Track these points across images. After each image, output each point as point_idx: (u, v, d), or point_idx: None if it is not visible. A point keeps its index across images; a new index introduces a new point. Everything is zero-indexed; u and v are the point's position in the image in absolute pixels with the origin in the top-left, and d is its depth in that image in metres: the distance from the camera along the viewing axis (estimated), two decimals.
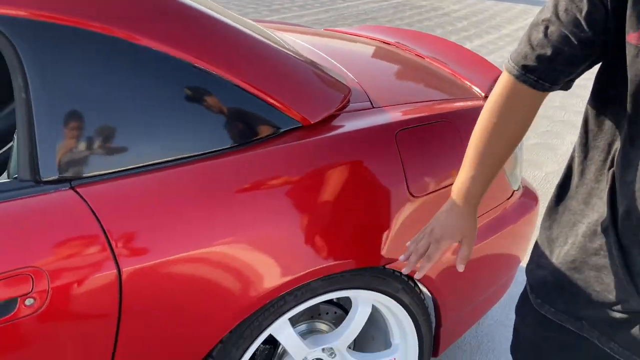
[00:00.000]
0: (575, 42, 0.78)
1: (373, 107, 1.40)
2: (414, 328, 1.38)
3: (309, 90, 1.29)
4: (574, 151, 0.92)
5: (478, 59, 1.90)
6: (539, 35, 0.81)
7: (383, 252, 1.26)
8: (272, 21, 2.33)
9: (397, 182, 1.28)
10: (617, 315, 0.84)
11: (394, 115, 1.35)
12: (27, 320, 0.92)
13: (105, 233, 0.97)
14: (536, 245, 0.98)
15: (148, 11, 1.09)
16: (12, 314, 0.91)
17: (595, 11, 0.75)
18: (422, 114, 1.38)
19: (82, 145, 1.00)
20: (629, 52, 0.73)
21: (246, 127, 1.17)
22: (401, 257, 1.06)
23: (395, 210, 1.28)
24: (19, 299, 0.90)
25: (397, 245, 1.28)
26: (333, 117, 1.32)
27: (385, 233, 1.27)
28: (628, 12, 0.72)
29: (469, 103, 1.49)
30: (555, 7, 0.80)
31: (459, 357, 1.87)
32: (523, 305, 1.01)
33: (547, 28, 0.80)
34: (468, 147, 0.97)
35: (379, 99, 1.44)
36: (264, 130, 1.19)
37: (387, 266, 1.28)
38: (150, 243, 1.01)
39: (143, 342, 1.05)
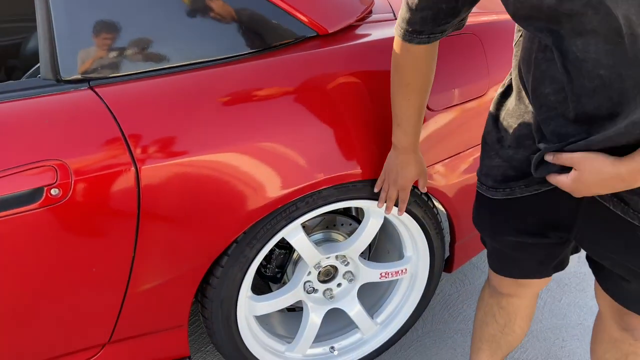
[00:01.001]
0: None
1: (395, 18, 1.36)
2: (425, 241, 1.41)
3: (327, 0, 1.27)
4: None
5: None
6: (430, 4, 0.87)
7: None
8: None
9: None
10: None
11: None
12: (56, 208, 1.01)
13: (122, 131, 1.03)
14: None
15: None
16: (40, 201, 0.99)
17: None
18: None
19: (100, 47, 1.04)
20: None
21: (262, 35, 1.17)
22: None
23: None
24: (45, 189, 0.99)
25: None
26: (354, 27, 1.31)
27: None
28: None
29: (496, 17, 1.42)
30: None
31: (478, 277, 1.90)
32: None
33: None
34: (392, 105, 1.09)
35: None
36: (280, 38, 1.19)
37: None
38: (166, 145, 1.06)
39: (162, 238, 1.12)
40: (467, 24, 1.37)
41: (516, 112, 0.95)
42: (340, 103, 1.20)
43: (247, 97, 1.13)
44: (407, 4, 0.90)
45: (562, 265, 1.11)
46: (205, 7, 1.12)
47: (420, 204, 1.35)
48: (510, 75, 1.00)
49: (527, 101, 0.92)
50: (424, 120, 1.28)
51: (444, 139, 1.33)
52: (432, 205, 1.39)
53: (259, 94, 1.14)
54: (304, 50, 1.20)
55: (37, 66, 1.44)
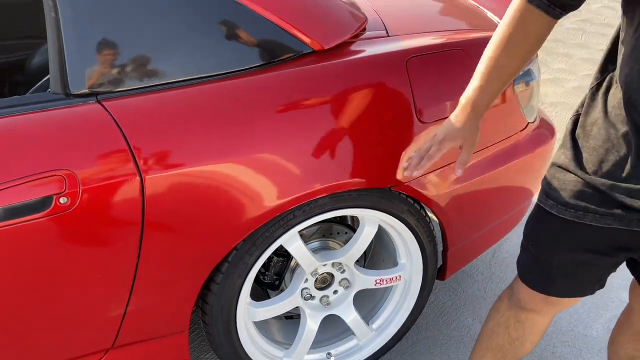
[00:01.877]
0: None
1: (388, 36, 1.43)
2: (418, 249, 1.46)
3: (323, 17, 1.33)
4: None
5: None
6: None
7: (390, 175, 1.33)
8: None
9: (406, 109, 1.33)
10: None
11: (407, 44, 1.38)
12: (65, 216, 1.05)
13: (128, 144, 1.08)
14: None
15: None
16: (49, 210, 1.04)
17: None
18: (435, 43, 1.40)
19: (107, 62, 1.09)
20: None
21: (262, 51, 1.23)
22: (404, 164, 1.13)
23: (404, 135, 1.33)
24: (54, 197, 1.03)
25: (404, 168, 1.34)
26: (348, 43, 1.37)
27: (393, 157, 1.33)
28: None
29: (484, 34, 1.48)
30: None
31: (471, 285, 1.95)
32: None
33: None
34: (480, 60, 1.03)
35: (396, 27, 1.46)
36: (279, 54, 1.25)
37: (392, 188, 1.35)
38: (170, 156, 1.12)
39: (165, 245, 1.17)
40: (456, 40, 1.45)
41: (603, 135, 0.92)
42: (335, 116, 1.26)
43: (247, 110, 1.19)
44: None
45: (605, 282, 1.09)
46: (206, 25, 1.18)
47: (413, 212, 1.40)
48: (595, 86, 0.97)
49: (625, 121, 0.88)
50: (415, 134, 1.34)
51: None
52: (424, 214, 1.45)
53: (258, 107, 1.20)
54: (301, 65, 1.25)
55: (42, 82, 1.51)
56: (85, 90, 1.08)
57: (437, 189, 1.41)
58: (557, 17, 0.93)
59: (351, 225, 1.55)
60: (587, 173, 0.94)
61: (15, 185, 1.00)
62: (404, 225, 1.41)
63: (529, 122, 1.58)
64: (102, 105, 1.08)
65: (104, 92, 1.09)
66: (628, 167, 0.89)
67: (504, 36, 0.97)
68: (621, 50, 0.89)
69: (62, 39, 1.05)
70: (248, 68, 1.21)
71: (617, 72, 0.90)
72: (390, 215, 1.38)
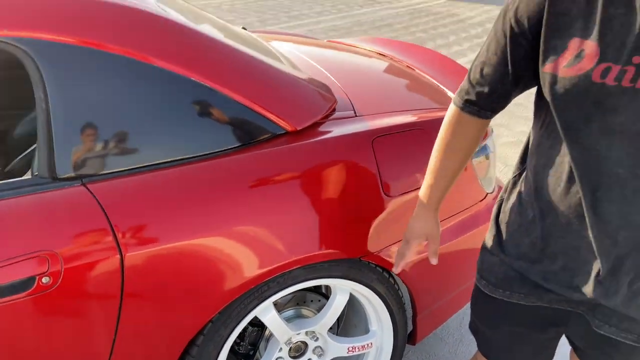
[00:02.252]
0: (506, 81, 0.95)
1: (356, 116, 1.55)
2: (388, 316, 1.52)
3: (295, 100, 1.45)
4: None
5: (465, 71, 2.03)
6: (477, 75, 0.99)
7: (359, 246, 1.41)
8: (274, 31, 2.49)
9: (373, 184, 1.43)
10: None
11: (373, 124, 1.50)
12: (46, 296, 1.10)
13: (110, 224, 1.14)
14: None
15: (152, 33, 1.26)
16: (31, 289, 1.08)
17: (518, 51, 0.91)
18: (399, 123, 1.52)
19: (92, 148, 1.17)
20: (544, 80, 0.87)
21: (238, 133, 1.33)
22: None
23: (370, 209, 1.43)
24: (37, 277, 1.08)
25: (372, 239, 1.42)
26: (319, 124, 1.48)
27: (362, 228, 1.42)
28: (542, 46, 0.86)
29: (444, 113, 1.62)
30: (487, 50, 0.96)
31: (441, 348, 2.00)
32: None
33: (482, 70, 0.97)
34: (430, 160, 1.15)
35: (363, 108, 1.59)
36: (255, 135, 1.35)
37: (362, 258, 1.42)
38: (150, 234, 1.18)
39: (143, 319, 1.21)
40: (419, 119, 1.58)
41: (517, 220, 1.01)
42: (308, 192, 1.35)
43: (223, 189, 1.27)
44: (469, 77, 1.01)
45: (553, 354, 1.14)
46: (186, 112, 1.27)
47: (382, 281, 1.47)
48: (516, 175, 1.07)
49: (533, 207, 0.97)
50: (384, 208, 1.43)
51: (401, 221, 1.48)
52: (393, 282, 1.52)
53: (235, 186, 1.28)
54: (275, 146, 1.35)
55: (25, 154, 1.57)
56: (71, 174, 1.15)
57: None
58: (490, 117, 1.03)
59: (324, 293, 1.61)
60: (507, 256, 1.03)
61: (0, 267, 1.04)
62: (374, 294, 1.48)
63: (487, 193, 1.69)
64: (87, 188, 1.15)
65: (88, 175, 1.17)
66: (538, 250, 0.98)
67: (443, 141, 1.09)
68: (531, 144, 1.00)
69: (51, 128, 1.12)
70: (226, 149, 1.30)
71: (527, 164, 1.01)
72: (361, 284, 1.45)
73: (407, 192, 1.47)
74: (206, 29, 1.44)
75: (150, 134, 1.23)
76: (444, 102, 1.74)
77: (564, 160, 0.89)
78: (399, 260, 1.24)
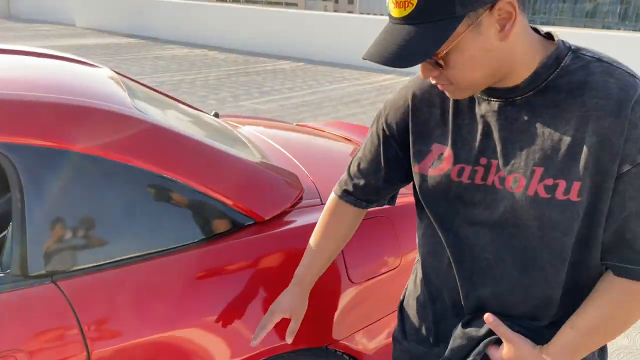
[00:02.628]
0: (379, 176, 1.07)
1: (322, 203, 1.63)
2: None
3: (263, 192, 1.52)
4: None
5: None
6: (354, 169, 1.12)
7: (326, 333, 1.44)
8: (243, 116, 2.61)
9: (339, 271, 1.48)
10: None
11: None
12: None
13: (78, 321, 1.16)
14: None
15: (122, 132, 1.33)
16: None
17: (389, 151, 1.04)
18: None
19: (63, 246, 1.21)
20: (416, 178, 1.00)
21: (206, 225, 1.38)
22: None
23: (337, 295, 1.47)
24: None
25: (339, 326, 1.46)
26: (286, 213, 1.55)
27: (328, 315, 1.45)
28: (412, 150, 0.99)
29: (407, 199, 1.72)
30: (364, 148, 1.09)
31: None
32: None
33: (359, 164, 1.10)
34: (308, 242, 1.22)
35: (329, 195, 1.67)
36: (223, 227, 1.40)
37: (329, 346, 1.45)
38: (116, 329, 1.20)
39: None
40: (382, 208, 1.67)
41: (414, 305, 1.09)
42: (276, 280, 1.39)
43: (190, 282, 1.30)
44: (348, 170, 1.12)
45: None
46: (156, 208, 1.33)
47: None
48: (416, 261, 1.15)
49: (424, 292, 1.07)
50: (350, 295, 1.48)
51: (365, 307, 1.52)
52: None
53: (202, 278, 1.32)
54: (243, 236, 1.41)
55: None
56: (42, 272, 1.17)
57: (368, 344, 1.52)
58: (365, 207, 1.14)
59: None
60: (410, 342, 1.09)
61: None
62: None
63: None
64: (57, 285, 1.17)
65: (59, 272, 1.19)
66: (433, 334, 1.05)
67: (322, 223, 1.19)
68: (418, 233, 1.10)
69: (25, 226, 1.16)
70: (195, 242, 1.35)
71: (418, 251, 1.11)
72: None
73: (371, 277, 1.53)
74: (176, 122, 1.52)
75: (121, 231, 1.27)
76: (410, 189, 1.84)
77: (443, 247, 0.99)
78: (260, 332, 1.21)
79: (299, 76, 9.85)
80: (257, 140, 2.05)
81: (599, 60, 0.83)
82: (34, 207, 1.18)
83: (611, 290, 0.87)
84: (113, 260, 1.25)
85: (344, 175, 1.14)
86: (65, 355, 1.14)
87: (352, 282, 1.49)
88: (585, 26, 23.42)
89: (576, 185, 0.81)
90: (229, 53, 12.49)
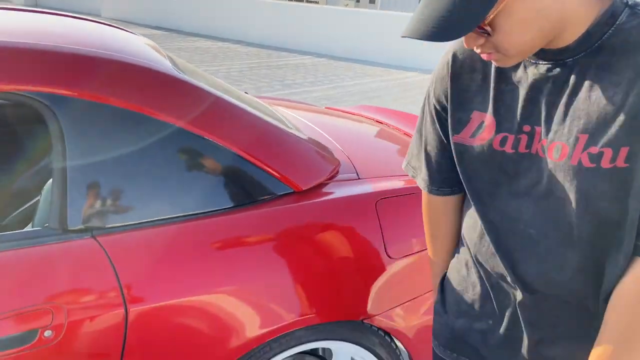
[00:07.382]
0: (447, 154, 0.98)
1: (359, 178, 1.59)
2: None
3: (301, 162, 1.49)
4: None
5: None
6: (430, 158, 1.01)
7: (362, 307, 1.41)
8: (277, 98, 2.59)
9: (376, 245, 1.45)
10: None
11: (376, 186, 1.54)
12: (44, 350, 1.07)
13: (117, 277, 1.14)
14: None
15: (168, 92, 1.31)
16: (32, 343, 1.06)
17: (446, 125, 0.96)
18: (400, 186, 1.57)
19: (103, 202, 1.19)
20: (455, 149, 0.93)
21: (244, 191, 1.36)
22: None
23: (374, 270, 1.44)
24: (39, 330, 1.06)
25: (374, 301, 1.42)
26: (323, 185, 1.51)
27: (364, 290, 1.42)
28: (449, 119, 0.94)
29: None
30: (421, 132, 1.01)
31: None
32: None
33: (426, 151, 1.01)
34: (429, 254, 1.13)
35: (365, 171, 1.63)
36: (261, 194, 1.37)
37: (365, 320, 1.41)
38: (154, 289, 1.18)
39: None
40: (416, 185, 1.62)
41: (456, 278, 1.03)
42: (312, 252, 1.36)
43: (229, 246, 1.28)
44: (423, 159, 1.02)
45: None
46: (196, 170, 1.31)
47: (384, 345, 1.46)
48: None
49: (467, 266, 1.01)
50: (387, 270, 1.44)
51: (403, 284, 1.48)
52: (395, 347, 1.50)
53: (241, 243, 1.29)
54: (281, 205, 1.38)
55: (21, 209, 1.57)
56: (82, 227, 1.15)
57: (405, 322, 1.48)
58: (448, 194, 1.03)
59: (323, 357, 1.58)
60: (450, 314, 1.03)
61: (3, 319, 1.03)
62: (374, 357, 1.46)
63: None
64: (97, 240, 1.15)
65: (99, 228, 1.17)
66: (477, 307, 0.99)
67: (426, 226, 1.10)
68: (464, 205, 1.03)
69: (67, 181, 1.14)
70: (233, 206, 1.33)
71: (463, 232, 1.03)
72: (363, 347, 1.43)
73: (409, 254, 1.49)
74: (217, 91, 1.50)
75: (161, 191, 1.25)
76: None
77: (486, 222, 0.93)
78: None
79: (320, 71, 9.81)
80: (291, 117, 2.02)
81: None
82: (75, 161, 1.16)
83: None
84: (153, 219, 1.22)
85: (425, 170, 1.03)
86: (102, 311, 1.12)
87: (390, 257, 1.45)
88: None
89: (623, 151, 0.75)
90: (252, 47, 12.50)
